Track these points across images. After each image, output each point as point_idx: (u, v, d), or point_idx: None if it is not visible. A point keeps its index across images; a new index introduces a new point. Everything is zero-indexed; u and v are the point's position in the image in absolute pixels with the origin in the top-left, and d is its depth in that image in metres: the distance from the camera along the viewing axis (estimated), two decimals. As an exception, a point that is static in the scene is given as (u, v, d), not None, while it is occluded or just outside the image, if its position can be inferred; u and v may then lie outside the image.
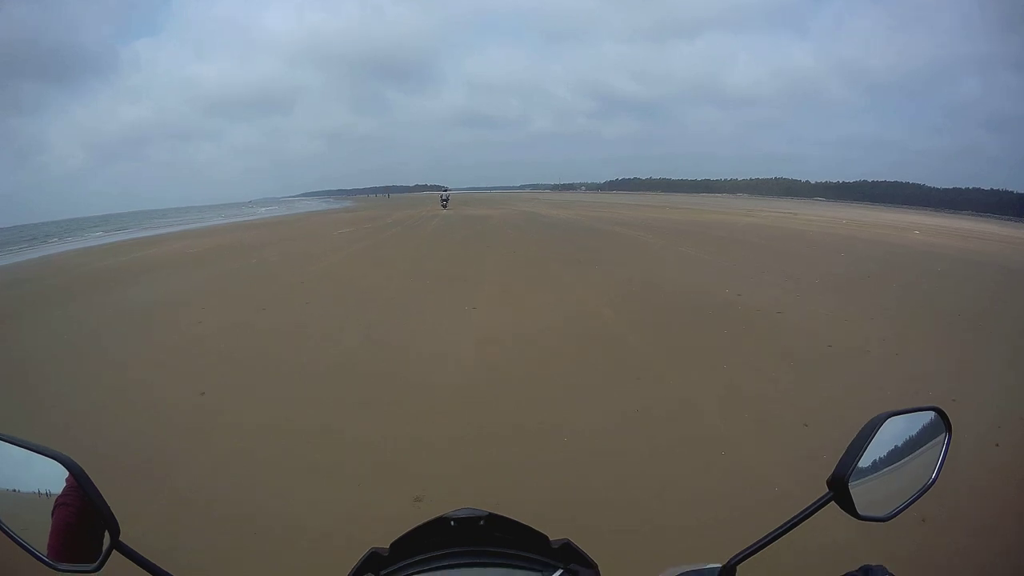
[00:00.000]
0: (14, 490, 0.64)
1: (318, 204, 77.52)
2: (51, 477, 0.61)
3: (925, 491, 0.76)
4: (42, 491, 0.62)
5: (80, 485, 0.60)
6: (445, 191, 38.37)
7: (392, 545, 0.68)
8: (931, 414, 0.79)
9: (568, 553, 0.69)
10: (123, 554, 0.61)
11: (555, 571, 0.67)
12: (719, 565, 0.68)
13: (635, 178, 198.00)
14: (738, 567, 0.68)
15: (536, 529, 0.68)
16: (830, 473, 0.71)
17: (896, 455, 0.75)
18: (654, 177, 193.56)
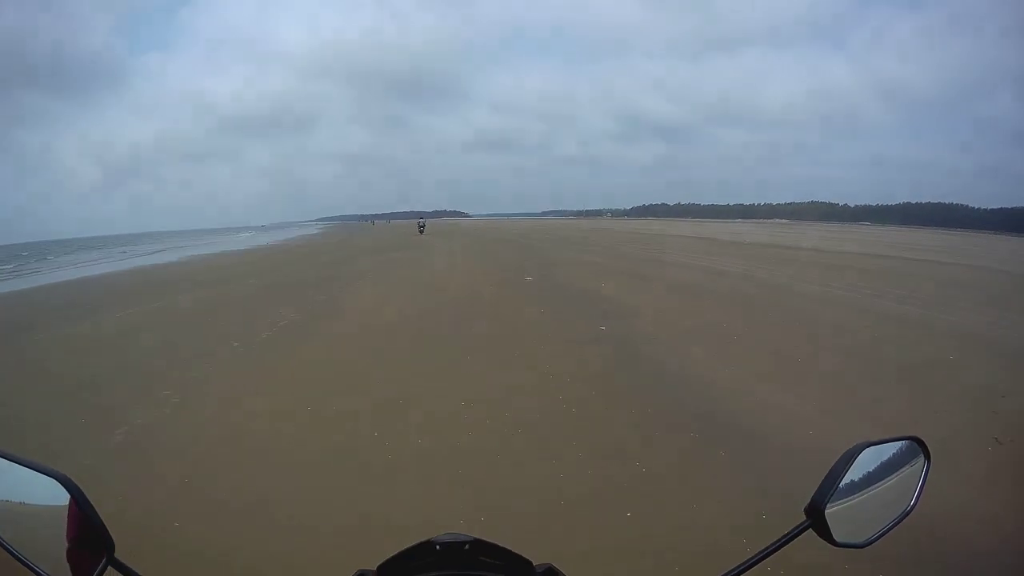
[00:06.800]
0: (13, 507, 0.66)
1: (293, 232, 69.12)
2: (49, 495, 0.63)
3: (905, 517, 0.78)
4: (41, 508, 0.64)
5: (77, 503, 0.62)
6: (422, 219, 45.95)
7: (379, 568, 0.69)
8: (909, 443, 0.82)
9: None
10: (118, 570, 0.64)
11: None
12: None
13: (662, 204, 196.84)
14: None
15: (520, 554, 0.69)
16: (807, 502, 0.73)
17: (874, 483, 0.78)
18: (682, 203, 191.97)
